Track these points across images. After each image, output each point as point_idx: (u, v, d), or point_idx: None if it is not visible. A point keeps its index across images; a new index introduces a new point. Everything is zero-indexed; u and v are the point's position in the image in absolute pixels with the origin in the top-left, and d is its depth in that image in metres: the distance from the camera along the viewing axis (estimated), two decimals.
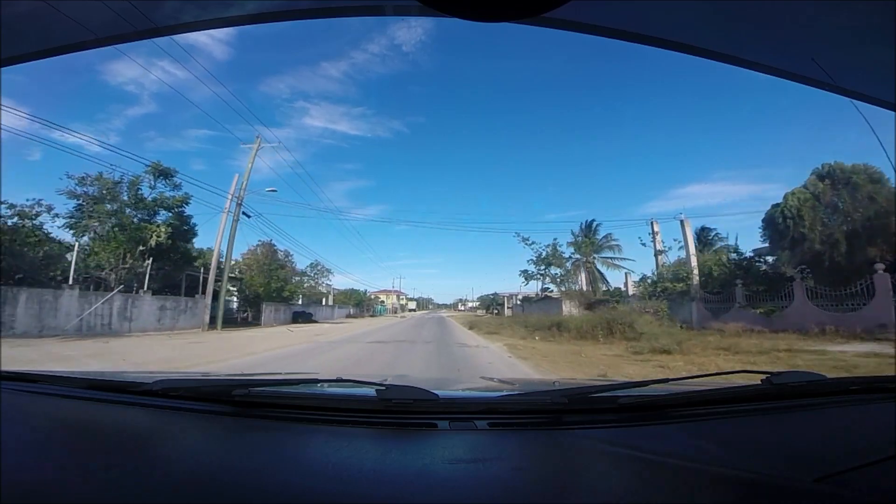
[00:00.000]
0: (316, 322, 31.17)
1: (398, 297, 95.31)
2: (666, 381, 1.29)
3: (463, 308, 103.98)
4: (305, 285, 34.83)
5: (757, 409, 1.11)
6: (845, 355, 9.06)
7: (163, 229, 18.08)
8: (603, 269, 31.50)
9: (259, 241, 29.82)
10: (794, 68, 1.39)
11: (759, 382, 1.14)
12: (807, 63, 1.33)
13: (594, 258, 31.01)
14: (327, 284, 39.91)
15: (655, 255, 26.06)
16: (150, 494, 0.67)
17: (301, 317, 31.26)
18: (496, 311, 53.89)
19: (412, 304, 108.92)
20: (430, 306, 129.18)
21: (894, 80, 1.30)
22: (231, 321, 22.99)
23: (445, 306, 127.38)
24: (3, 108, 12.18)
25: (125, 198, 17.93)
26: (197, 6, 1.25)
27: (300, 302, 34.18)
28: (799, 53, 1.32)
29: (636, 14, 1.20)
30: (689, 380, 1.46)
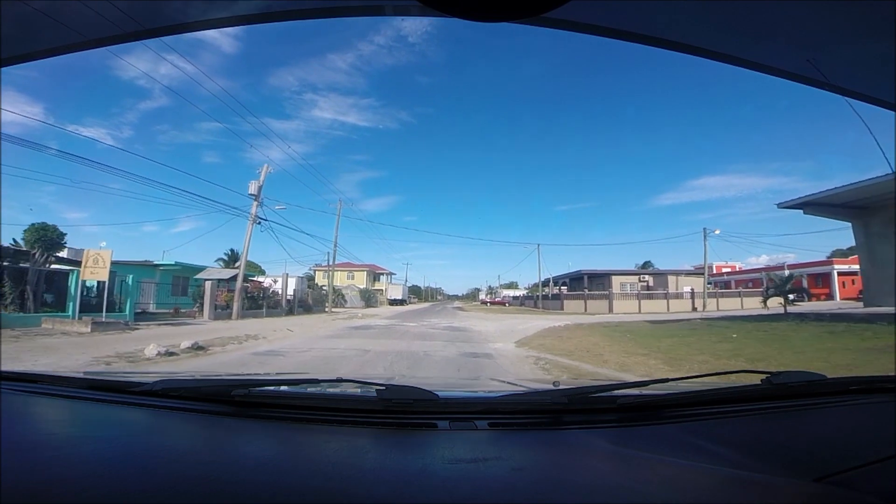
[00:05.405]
0: None
1: (373, 276, 59.64)
2: (665, 381, 1.29)
3: (489, 299, 66.72)
4: None
5: (757, 409, 1.11)
6: None
7: None
8: None
9: None
10: (793, 68, 1.39)
11: (759, 382, 1.14)
12: (806, 63, 1.33)
13: None
14: None
15: None
16: (151, 494, 0.66)
17: None
18: None
19: (395, 292, 60.66)
20: (440, 297, 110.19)
21: (893, 79, 1.30)
22: None
23: (458, 297, 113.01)
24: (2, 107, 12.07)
25: None
26: (202, 5, 1.25)
27: None
28: (798, 54, 1.32)
29: (636, 14, 1.20)
30: (689, 380, 1.46)
